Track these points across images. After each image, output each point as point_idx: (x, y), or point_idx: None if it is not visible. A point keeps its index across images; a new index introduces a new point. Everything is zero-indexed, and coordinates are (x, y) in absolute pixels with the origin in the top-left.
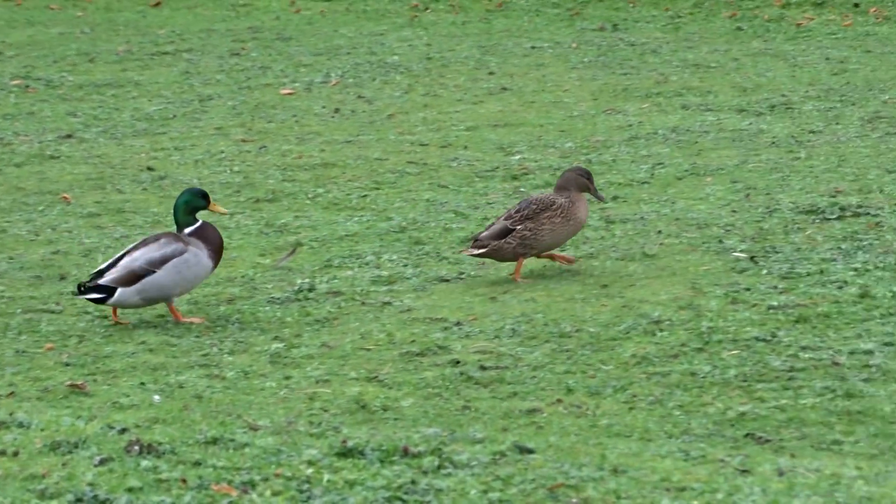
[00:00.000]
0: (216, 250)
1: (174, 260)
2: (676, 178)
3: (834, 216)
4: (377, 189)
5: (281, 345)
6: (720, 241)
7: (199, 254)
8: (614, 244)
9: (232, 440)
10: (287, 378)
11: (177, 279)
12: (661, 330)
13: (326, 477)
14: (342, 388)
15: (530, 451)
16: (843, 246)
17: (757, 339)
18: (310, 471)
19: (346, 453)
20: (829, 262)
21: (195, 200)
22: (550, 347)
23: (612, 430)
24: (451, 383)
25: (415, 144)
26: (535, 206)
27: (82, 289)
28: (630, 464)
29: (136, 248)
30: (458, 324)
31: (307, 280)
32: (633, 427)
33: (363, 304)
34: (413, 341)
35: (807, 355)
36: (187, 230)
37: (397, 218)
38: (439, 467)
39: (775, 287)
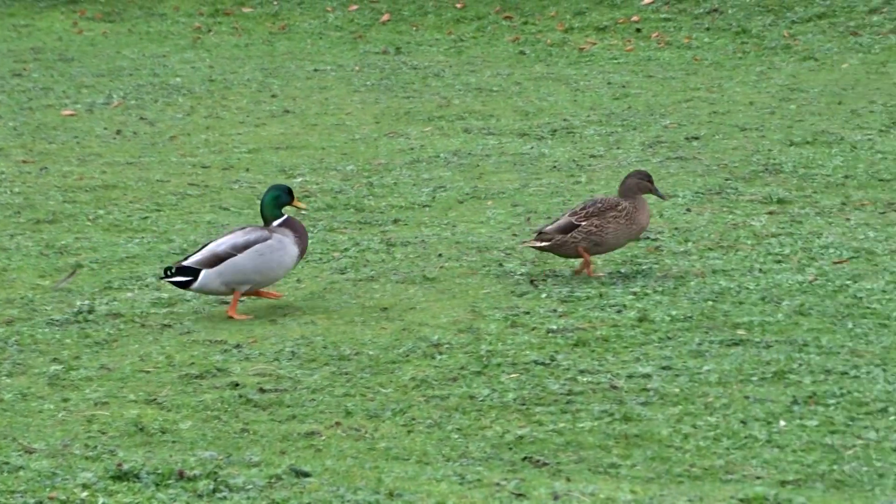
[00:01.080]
0: (302, 238)
1: (257, 245)
2: (458, 201)
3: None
4: (158, 211)
5: (60, 367)
6: (500, 265)
7: (283, 240)
8: (395, 267)
9: (6, 463)
10: (65, 400)
11: (258, 262)
12: (441, 353)
13: (101, 500)
14: (120, 411)
15: (306, 475)
16: (623, 270)
17: (536, 362)
18: (84, 494)
19: (121, 476)
20: (609, 285)
21: (283, 196)
22: (330, 370)
23: (391, 453)
24: (230, 406)
25: (196, 166)
26: (600, 205)
27: (168, 273)
28: (406, 487)
29: (221, 236)
30: (237, 346)
31: (87, 302)
32: (412, 450)
33: (143, 326)
34: (192, 363)
35: (585, 379)
36: (275, 223)
37: (178, 240)
38: (214, 491)
39: (554, 310)
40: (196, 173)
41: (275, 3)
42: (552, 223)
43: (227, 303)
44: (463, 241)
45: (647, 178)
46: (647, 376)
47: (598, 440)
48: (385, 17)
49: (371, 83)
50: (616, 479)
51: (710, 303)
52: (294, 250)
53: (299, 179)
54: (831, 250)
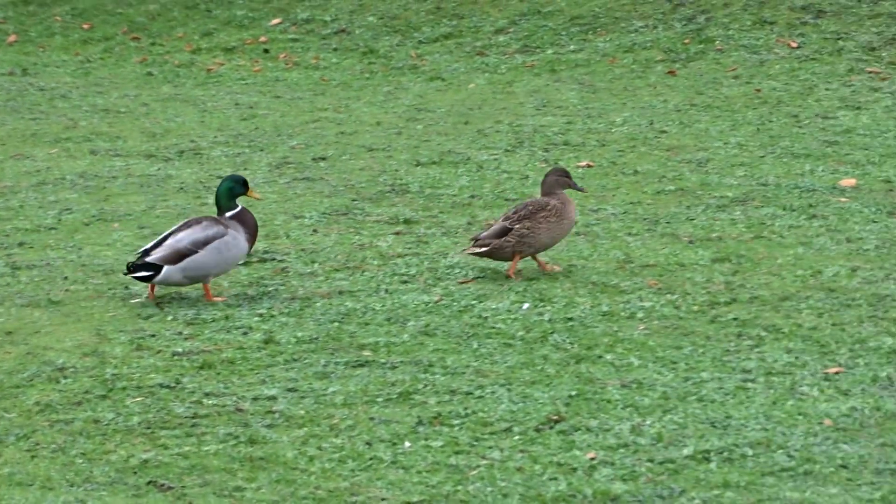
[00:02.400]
0: (252, 234)
1: (216, 241)
2: (84, 223)
3: (240, 262)
4: None
5: None
6: (126, 288)
7: (237, 236)
8: (20, 290)
9: None
10: None
11: (217, 259)
12: (66, 377)
13: None
14: None
15: None
16: (250, 292)
17: (161, 385)
18: None
19: None
20: (235, 307)
21: (237, 187)
22: None
23: (14, 478)
24: None
25: None
26: (531, 207)
27: (131, 268)
28: None
29: (179, 229)
30: None
31: None
32: (35, 476)
33: None
34: None
35: (211, 402)
36: (228, 214)
37: None
38: None
39: (180, 333)
40: None
41: None
42: (487, 229)
43: None
44: (89, 263)
45: (565, 174)
46: (273, 398)
47: (223, 463)
48: (12, 37)
49: None
50: (241, 503)
51: (337, 324)
52: (244, 246)
53: None
54: (457, 270)
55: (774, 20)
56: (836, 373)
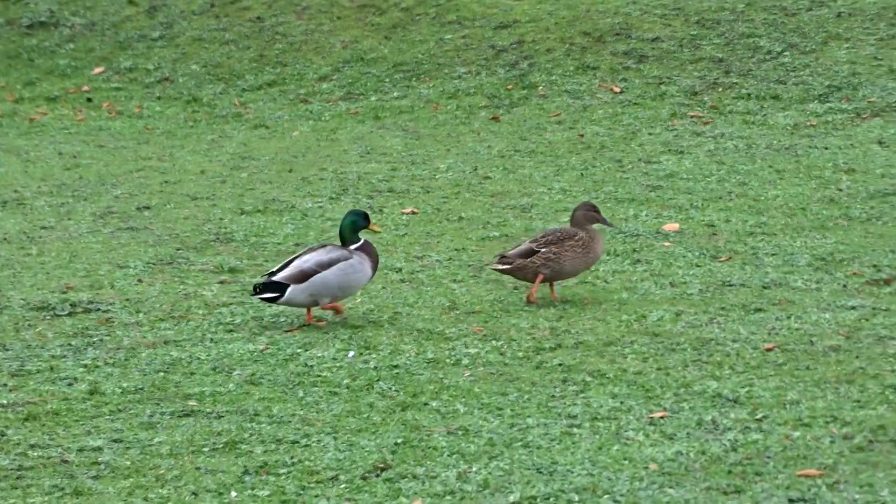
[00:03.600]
0: (375, 264)
1: (341, 263)
2: None
3: (65, 312)
4: None
5: None
6: None
7: (363, 261)
8: None
9: None
10: None
11: (342, 280)
12: None
13: None
14: None
15: None
16: (74, 342)
17: None
18: None
19: None
20: (60, 358)
21: (359, 221)
22: None
23: None
24: None
25: None
26: (559, 234)
27: (257, 289)
28: None
29: (303, 253)
30: None
31: None
32: None
33: None
34: None
35: (36, 453)
36: (352, 247)
37: None
38: None
39: (5, 385)
40: None
41: None
42: (514, 248)
43: None
44: None
45: (595, 209)
46: (99, 449)
47: None
48: None
49: None
50: None
51: (162, 374)
52: (369, 272)
53: None
54: (282, 318)
55: (597, 65)
56: (661, 417)
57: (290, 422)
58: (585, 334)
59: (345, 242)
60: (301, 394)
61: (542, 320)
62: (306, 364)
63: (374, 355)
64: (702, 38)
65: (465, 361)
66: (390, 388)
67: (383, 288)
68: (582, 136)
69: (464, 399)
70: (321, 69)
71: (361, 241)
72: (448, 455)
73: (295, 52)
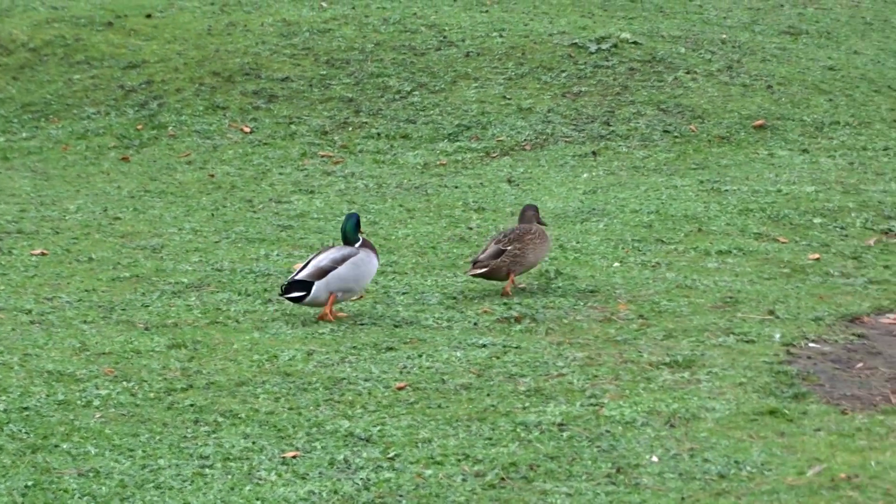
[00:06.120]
0: (377, 256)
1: (352, 258)
2: None
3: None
4: None
5: None
6: None
7: (370, 254)
8: None
9: None
10: None
11: (355, 273)
12: None
13: None
14: None
15: None
16: None
17: None
18: None
19: None
20: None
21: (358, 222)
22: None
23: None
24: None
25: None
26: (518, 231)
27: (283, 289)
28: None
29: (316, 255)
30: None
31: None
32: None
33: None
34: None
35: None
36: (356, 244)
37: None
38: None
39: None
40: None
41: None
42: (482, 252)
43: None
44: None
45: (536, 209)
46: None
47: None
48: None
49: None
50: None
51: None
52: (376, 262)
53: None
54: None
55: (227, 105)
56: (294, 457)
57: None
58: (217, 374)
59: (348, 242)
60: None
61: (173, 361)
62: None
63: (3, 397)
64: (331, 77)
65: (96, 403)
66: (20, 431)
67: (13, 330)
68: (212, 175)
69: (95, 441)
70: None
71: (362, 239)
72: (79, 497)
73: None
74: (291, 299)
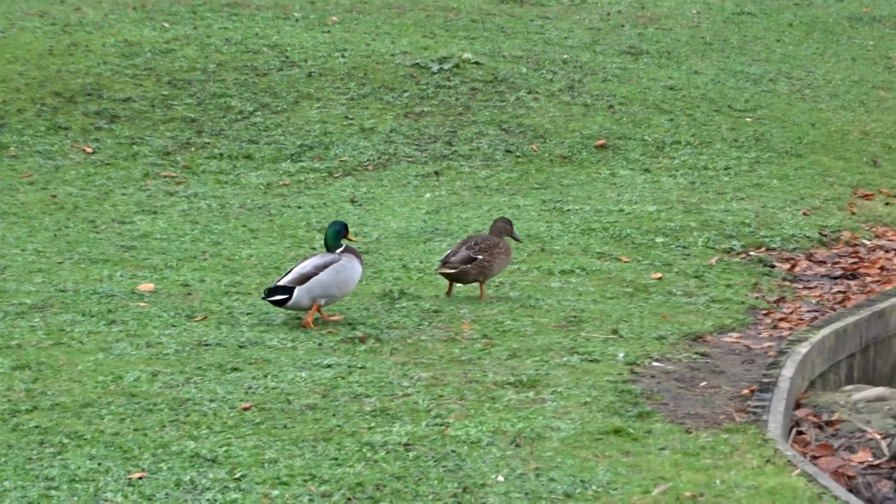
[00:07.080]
0: (361, 262)
1: (334, 264)
2: None
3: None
4: None
5: None
6: None
7: (352, 260)
8: None
9: None
10: None
11: (336, 279)
12: None
13: None
14: None
15: None
16: None
17: None
18: None
19: None
20: None
21: (342, 230)
22: None
23: None
24: None
25: None
26: (487, 242)
27: (266, 293)
28: None
29: (300, 262)
30: None
31: None
32: None
33: None
34: None
35: None
36: (338, 251)
37: None
38: None
39: None
40: None
41: None
42: (453, 254)
43: None
44: None
45: (510, 223)
46: None
47: None
48: None
49: None
50: None
51: None
52: (360, 268)
53: None
54: None
55: (69, 125)
56: (140, 478)
57: None
58: (62, 395)
59: (329, 249)
60: None
61: (17, 382)
62: None
63: None
64: (174, 98)
65: None
66: None
67: None
68: (55, 196)
69: None
70: None
71: (344, 246)
72: None
73: None
74: (274, 303)
